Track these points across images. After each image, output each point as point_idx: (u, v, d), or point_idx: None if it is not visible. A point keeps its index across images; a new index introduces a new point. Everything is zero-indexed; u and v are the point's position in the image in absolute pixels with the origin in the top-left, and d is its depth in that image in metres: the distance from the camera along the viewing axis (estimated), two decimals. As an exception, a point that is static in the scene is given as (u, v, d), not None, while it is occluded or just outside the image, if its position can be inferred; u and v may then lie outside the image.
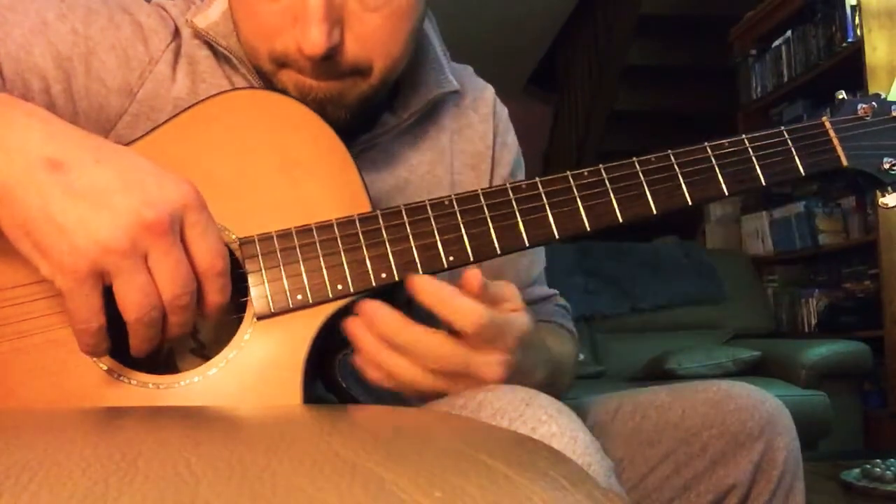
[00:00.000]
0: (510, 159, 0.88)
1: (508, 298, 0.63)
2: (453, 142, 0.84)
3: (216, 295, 0.57)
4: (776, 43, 3.51)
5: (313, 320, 0.61)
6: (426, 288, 0.60)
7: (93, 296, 0.52)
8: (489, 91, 0.88)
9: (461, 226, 0.63)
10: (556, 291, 0.92)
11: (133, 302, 0.53)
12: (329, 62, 0.65)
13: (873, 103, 0.73)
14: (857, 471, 1.65)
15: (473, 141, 0.85)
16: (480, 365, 0.60)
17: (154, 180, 0.54)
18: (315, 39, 0.62)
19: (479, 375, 0.60)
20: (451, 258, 0.63)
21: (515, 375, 0.62)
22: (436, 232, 0.63)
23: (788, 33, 3.42)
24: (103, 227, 0.51)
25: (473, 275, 0.60)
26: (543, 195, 0.65)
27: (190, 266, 0.55)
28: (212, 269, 0.56)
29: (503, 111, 0.89)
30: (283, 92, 0.68)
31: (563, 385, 0.76)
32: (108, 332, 0.55)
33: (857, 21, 2.94)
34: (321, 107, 0.67)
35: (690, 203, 0.67)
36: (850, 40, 2.99)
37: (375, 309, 0.60)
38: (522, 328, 0.63)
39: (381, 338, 0.60)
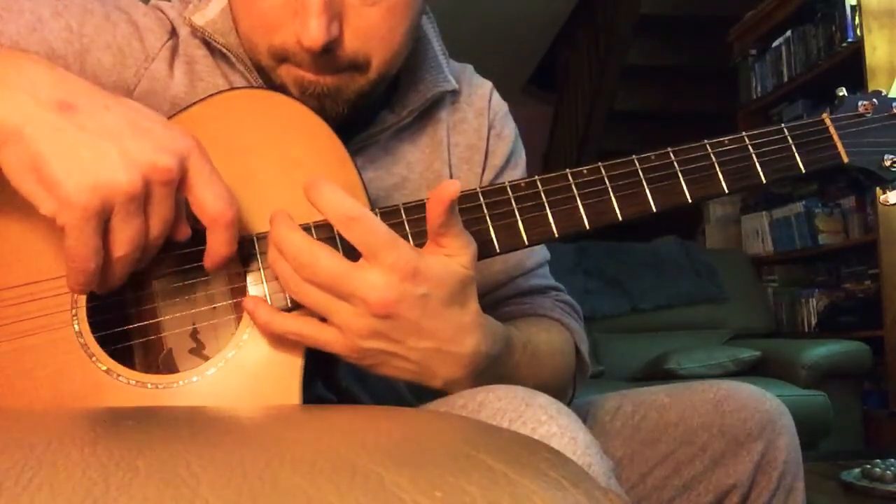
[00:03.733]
0: (505, 151, 0.87)
1: (452, 240, 0.59)
2: (452, 134, 0.84)
3: (223, 247, 0.57)
4: (776, 43, 3.51)
5: (313, 320, 0.61)
6: (307, 183, 0.58)
7: (96, 235, 0.52)
8: (486, 86, 0.88)
9: (460, 225, 0.63)
10: (560, 286, 0.89)
11: (126, 239, 0.53)
12: (328, 56, 0.65)
13: (874, 100, 0.73)
14: (857, 471, 1.65)
15: (468, 134, 0.85)
16: (359, 282, 0.56)
17: (161, 128, 0.55)
18: (314, 32, 0.62)
19: (358, 294, 0.56)
20: (451, 257, 0.62)
21: (420, 318, 0.58)
22: (435, 231, 0.63)
23: (788, 33, 3.42)
24: (120, 168, 0.51)
25: (450, 185, 0.58)
26: (542, 194, 0.65)
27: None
28: (222, 218, 0.56)
29: (500, 105, 0.89)
30: (282, 90, 0.68)
31: (536, 377, 0.71)
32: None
33: (857, 21, 2.94)
34: (320, 102, 0.68)
35: (690, 201, 0.67)
36: (850, 40, 2.99)
37: (275, 214, 0.59)
38: (443, 270, 0.58)
39: (272, 242, 0.59)
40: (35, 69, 0.54)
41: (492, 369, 0.63)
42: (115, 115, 0.54)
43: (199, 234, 0.62)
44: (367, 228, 0.57)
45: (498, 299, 0.84)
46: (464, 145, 0.84)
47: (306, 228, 0.62)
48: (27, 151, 0.51)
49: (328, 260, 0.57)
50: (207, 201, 0.56)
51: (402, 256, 0.57)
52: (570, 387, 0.81)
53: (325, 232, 0.62)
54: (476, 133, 0.85)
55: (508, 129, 0.88)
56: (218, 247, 0.57)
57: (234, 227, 0.57)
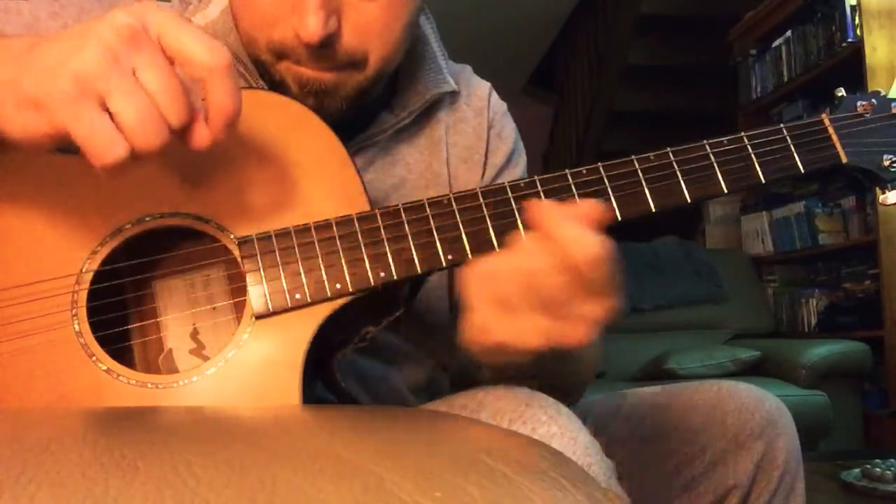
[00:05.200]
0: (506, 150, 0.87)
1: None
2: (451, 134, 0.84)
3: (229, 97, 0.51)
4: (776, 43, 3.51)
5: (312, 319, 0.61)
6: (539, 208, 0.56)
7: (100, 116, 0.48)
8: (485, 86, 0.88)
9: (460, 224, 0.63)
10: None
11: (129, 109, 0.48)
12: (326, 50, 0.65)
13: (873, 100, 0.73)
14: (857, 471, 1.65)
15: (467, 134, 0.84)
16: (585, 306, 0.55)
17: (118, 10, 0.51)
18: (312, 27, 0.62)
19: (585, 316, 0.55)
20: (450, 256, 0.63)
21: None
22: (434, 231, 0.63)
23: (788, 33, 3.42)
24: (83, 50, 0.48)
25: (592, 206, 0.56)
26: (542, 194, 0.65)
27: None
28: (218, 61, 0.50)
29: (499, 105, 0.89)
30: (281, 86, 0.68)
31: (581, 373, 0.72)
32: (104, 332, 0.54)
33: (857, 21, 2.94)
34: (319, 99, 0.68)
35: (689, 201, 0.67)
36: (850, 40, 2.99)
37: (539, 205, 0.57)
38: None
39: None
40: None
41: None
42: (66, 33, 0.51)
43: (198, 235, 0.62)
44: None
45: None
46: (462, 145, 0.84)
47: (306, 228, 0.62)
48: (7, 91, 0.50)
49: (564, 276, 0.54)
50: (194, 50, 0.50)
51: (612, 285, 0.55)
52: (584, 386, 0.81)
53: (324, 232, 0.62)
54: (475, 133, 0.85)
55: (509, 129, 0.88)
56: (224, 98, 0.51)
57: (234, 71, 0.52)
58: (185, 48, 0.50)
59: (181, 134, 0.51)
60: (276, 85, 0.69)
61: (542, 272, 0.54)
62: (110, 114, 0.49)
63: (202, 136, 0.52)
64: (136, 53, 0.49)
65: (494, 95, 0.89)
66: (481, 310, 0.57)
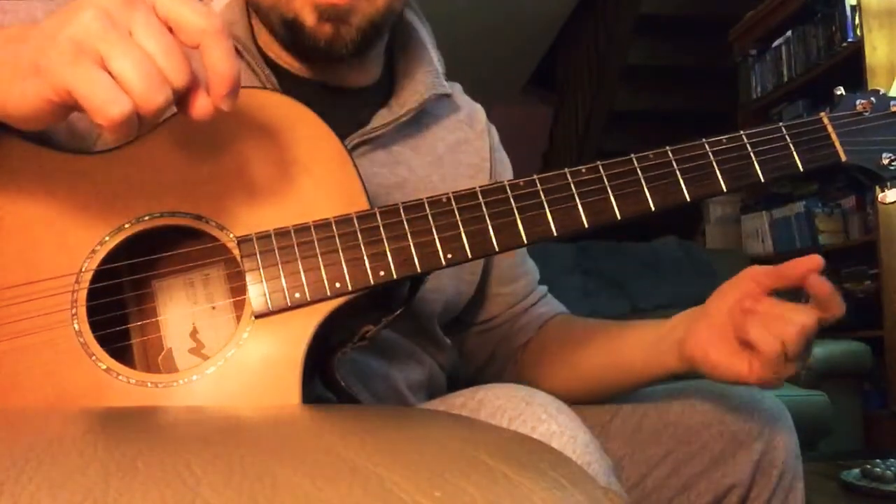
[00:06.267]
0: (509, 168, 0.94)
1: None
2: (453, 152, 0.86)
3: (227, 61, 0.50)
4: (776, 43, 3.51)
5: (312, 318, 0.61)
6: (817, 281, 0.72)
7: (99, 74, 0.47)
8: (481, 109, 0.93)
9: (459, 223, 0.63)
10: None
11: (134, 74, 0.48)
12: None
13: (872, 99, 0.73)
14: (857, 471, 1.65)
15: (470, 154, 0.88)
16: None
17: None
18: None
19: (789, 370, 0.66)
20: (450, 255, 0.63)
21: None
22: (434, 230, 0.63)
23: (788, 33, 3.42)
24: (81, 14, 0.48)
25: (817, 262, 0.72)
26: (541, 192, 0.65)
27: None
28: (212, 25, 0.49)
29: (494, 129, 0.95)
30: (297, 24, 0.70)
31: None
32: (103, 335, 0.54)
33: (857, 21, 2.94)
34: (335, 26, 0.71)
35: (689, 199, 0.67)
36: (850, 40, 2.99)
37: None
38: None
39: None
40: None
41: None
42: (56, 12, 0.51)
43: (197, 234, 0.62)
44: None
45: (527, 306, 0.94)
46: (467, 163, 0.88)
47: (305, 227, 0.62)
48: (6, 67, 0.50)
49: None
50: (187, 15, 0.49)
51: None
52: None
53: (324, 231, 0.62)
54: (478, 153, 0.89)
55: (504, 154, 0.95)
56: (221, 62, 0.50)
57: (229, 36, 0.51)
58: (178, 14, 0.50)
59: (182, 103, 0.51)
60: (290, 24, 0.71)
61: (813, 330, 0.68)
62: (112, 76, 0.48)
63: (204, 105, 0.51)
64: (131, 14, 0.49)
65: (488, 120, 0.94)
66: (764, 358, 0.66)
